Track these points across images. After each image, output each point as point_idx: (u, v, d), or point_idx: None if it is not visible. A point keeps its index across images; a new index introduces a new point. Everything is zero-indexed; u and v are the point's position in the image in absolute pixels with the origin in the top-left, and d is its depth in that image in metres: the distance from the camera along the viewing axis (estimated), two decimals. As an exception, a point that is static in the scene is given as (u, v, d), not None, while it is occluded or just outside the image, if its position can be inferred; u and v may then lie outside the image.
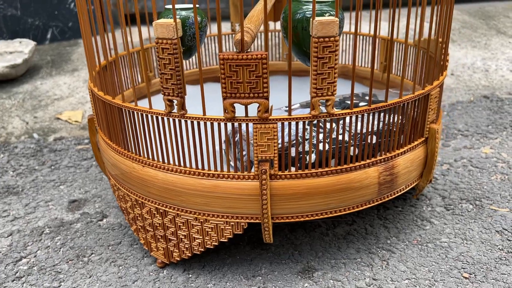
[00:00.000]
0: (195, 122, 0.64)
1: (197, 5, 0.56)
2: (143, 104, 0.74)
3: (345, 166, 0.65)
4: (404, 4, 2.08)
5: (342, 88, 0.99)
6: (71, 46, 1.93)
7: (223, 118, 0.61)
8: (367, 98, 0.80)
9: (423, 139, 0.74)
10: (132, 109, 0.66)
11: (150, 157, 0.70)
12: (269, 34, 1.16)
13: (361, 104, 0.75)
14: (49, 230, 0.87)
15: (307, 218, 0.67)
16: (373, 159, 0.67)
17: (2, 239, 0.85)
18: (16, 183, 1.04)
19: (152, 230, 0.73)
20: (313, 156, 0.66)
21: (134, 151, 0.70)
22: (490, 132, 1.18)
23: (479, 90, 1.46)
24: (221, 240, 0.68)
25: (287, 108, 0.80)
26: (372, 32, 1.06)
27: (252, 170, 0.67)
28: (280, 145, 0.66)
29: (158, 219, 0.71)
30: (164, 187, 0.67)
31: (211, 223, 0.68)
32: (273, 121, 0.60)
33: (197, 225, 0.68)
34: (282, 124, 0.63)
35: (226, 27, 1.95)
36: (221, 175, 0.65)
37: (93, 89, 0.75)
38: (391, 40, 0.64)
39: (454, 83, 1.52)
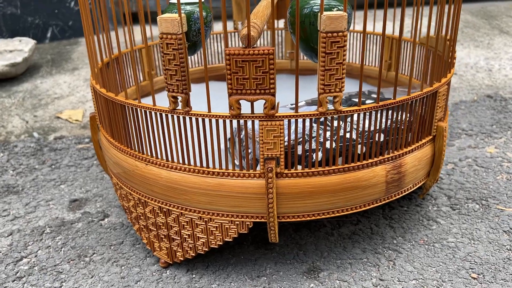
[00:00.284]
0: (200, 119, 0.63)
1: (202, 0, 0.55)
2: (145, 101, 0.72)
3: (352, 164, 0.64)
4: (409, 4, 2.07)
5: (347, 86, 0.98)
6: (71, 45, 1.92)
7: (229, 115, 0.59)
8: (372, 95, 0.79)
9: (431, 137, 0.73)
10: (135, 106, 0.65)
11: (154, 155, 0.68)
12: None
13: (368, 101, 0.74)
14: (50, 229, 0.86)
15: (313, 217, 0.65)
16: (380, 157, 0.66)
17: (2, 238, 0.84)
18: (16, 182, 1.02)
19: (155, 229, 0.72)
20: (320, 154, 0.65)
21: (137, 149, 0.69)
22: (495, 131, 1.17)
23: (482, 90, 1.45)
24: (226, 239, 0.67)
25: (292, 106, 0.78)
26: (375, 31, 1.06)
27: (258, 168, 0.66)
28: (286, 143, 0.65)
29: (162, 218, 0.70)
30: (167, 186, 0.66)
31: (216, 222, 0.66)
32: (280, 118, 0.59)
33: (201, 224, 0.67)
34: (289, 121, 0.62)
35: (228, 26, 1.93)
36: (226, 173, 0.63)
37: (95, 86, 0.74)
38: (400, 38, 0.63)
39: (457, 82, 1.51)
